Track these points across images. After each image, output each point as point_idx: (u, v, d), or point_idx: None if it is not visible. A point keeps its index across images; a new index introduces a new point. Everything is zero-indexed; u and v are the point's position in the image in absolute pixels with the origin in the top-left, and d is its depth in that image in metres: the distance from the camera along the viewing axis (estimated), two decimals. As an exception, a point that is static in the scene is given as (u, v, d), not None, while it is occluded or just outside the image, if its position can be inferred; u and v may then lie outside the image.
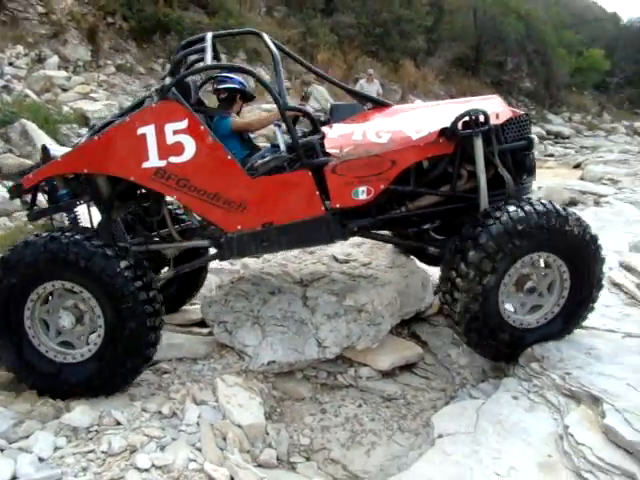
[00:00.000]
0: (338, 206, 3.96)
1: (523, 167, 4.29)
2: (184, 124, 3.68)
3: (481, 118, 3.92)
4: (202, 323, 4.71)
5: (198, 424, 3.39)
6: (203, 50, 4.11)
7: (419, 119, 4.29)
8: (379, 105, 4.85)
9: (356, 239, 5.53)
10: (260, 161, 4.02)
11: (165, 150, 3.67)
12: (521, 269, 3.92)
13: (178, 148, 3.69)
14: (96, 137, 3.73)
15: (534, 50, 27.40)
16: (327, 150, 3.95)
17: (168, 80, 3.87)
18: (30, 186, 3.79)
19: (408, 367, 4.56)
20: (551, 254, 3.91)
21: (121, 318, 3.59)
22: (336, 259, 4.99)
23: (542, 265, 4.01)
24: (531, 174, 4.40)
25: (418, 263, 5.14)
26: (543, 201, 3.93)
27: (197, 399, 3.65)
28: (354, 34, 20.96)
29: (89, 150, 3.73)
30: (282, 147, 4.04)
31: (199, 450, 3.18)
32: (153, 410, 3.50)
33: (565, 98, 29.16)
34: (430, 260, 5.07)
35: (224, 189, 3.80)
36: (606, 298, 4.80)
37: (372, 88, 13.41)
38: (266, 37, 4.45)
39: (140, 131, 3.65)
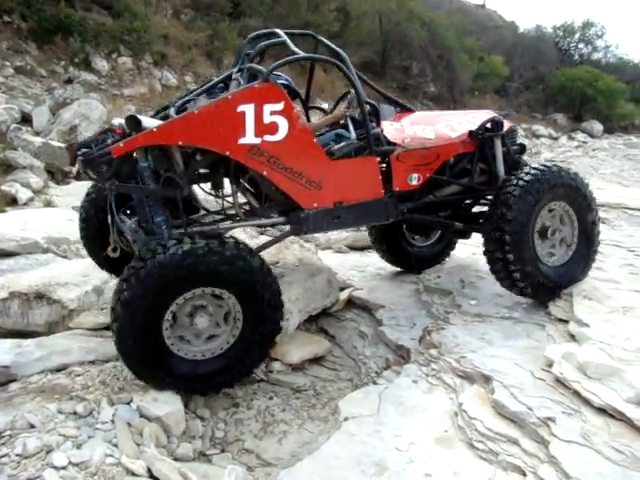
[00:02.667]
0: (397, 189, 4.59)
1: (517, 166, 5.11)
2: (281, 106, 3.94)
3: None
4: (113, 327, 4.73)
5: (113, 422, 3.44)
6: (283, 43, 4.49)
7: (449, 122, 5.14)
8: (405, 109, 5.60)
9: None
10: (337, 146, 4.32)
11: (261, 129, 3.89)
12: (549, 216, 4.83)
13: (273, 128, 3.93)
14: (195, 111, 3.80)
15: (438, 55, 28.18)
16: (392, 140, 4.60)
17: (236, 70, 4.38)
18: (119, 155, 3.67)
19: (317, 360, 4.77)
20: (561, 201, 4.82)
21: (262, 310, 3.87)
22: (246, 260, 5.14)
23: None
24: (519, 166, 5.11)
25: (325, 261, 5.38)
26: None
27: (112, 398, 3.68)
28: (262, 38, 21.08)
29: (187, 123, 3.77)
30: (353, 135, 4.43)
31: (116, 446, 3.23)
32: (68, 411, 3.51)
33: (468, 102, 30.13)
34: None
35: (307, 169, 4.10)
36: (499, 288, 5.17)
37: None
38: (324, 39, 4.92)
39: (240, 109, 3.83)
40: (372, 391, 3.96)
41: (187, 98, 4.36)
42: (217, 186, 4.40)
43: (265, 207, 4.52)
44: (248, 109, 3.85)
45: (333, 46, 4.77)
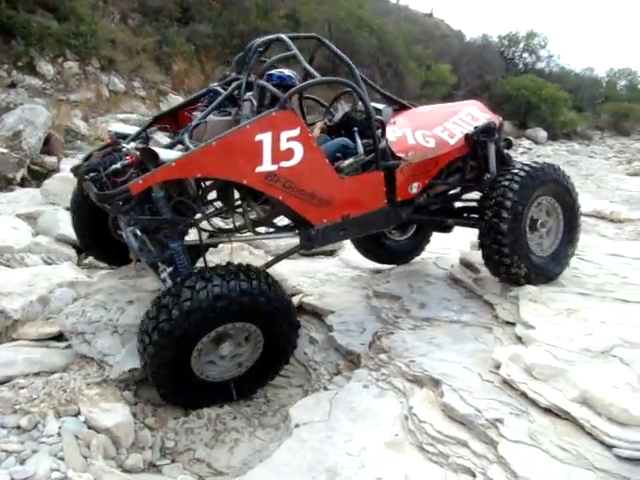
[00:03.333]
0: (400, 199, 4.79)
1: (504, 160, 5.41)
2: (297, 132, 4.04)
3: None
4: (59, 337, 4.58)
5: (60, 434, 3.35)
6: (293, 56, 4.59)
7: (446, 125, 5.27)
8: (403, 107, 5.73)
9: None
10: (346, 163, 4.49)
11: (278, 155, 3.97)
12: (537, 210, 5.16)
13: (289, 154, 4.02)
14: (213, 143, 3.78)
15: (387, 63, 28.50)
16: (396, 153, 4.72)
17: (244, 82, 4.38)
18: (138, 192, 3.65)
19: (268, 367, 4.77)
20: (549, 196, 5.19)
21: (282, 334, 4.07)
22: (195, 267, 5.10)
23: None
24: (508, 165, 5.35)
25: (274, 267, 5.36)
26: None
27: (59, 410, 3.60)
28: (211, 44, 20.88)
29: (206, 156, 3.78)
30: (360, 150, 4.57)
31: (62, 460, 3.15)
32: (11, 425, 3.41)
33: (416, 109, 30.57)
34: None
35: (319, 188, 4.22)
36: (447, 292, 5.27)
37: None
38: (330, 44, 4.95)
39: (258, 138, 3.89)
40: (323, 397, 3.95)
41: (197, 121, 4.28)
42: (226, 204, 4.56)
43: (271, 218, 4.69)
44: (266, 138, 3.92)
45: (340, 53, 4.86)
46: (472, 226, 5.43)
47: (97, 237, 5.16)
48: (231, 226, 4.74)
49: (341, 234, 4.55)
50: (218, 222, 5.15)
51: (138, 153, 3.84)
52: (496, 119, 5.56)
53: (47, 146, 10.82)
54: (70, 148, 12.27)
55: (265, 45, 4.86)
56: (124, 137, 4.53)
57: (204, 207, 4.54)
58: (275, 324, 3.98)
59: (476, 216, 5.33)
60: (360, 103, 4.72)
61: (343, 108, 5.27)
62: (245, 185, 4.03)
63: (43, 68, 14.50)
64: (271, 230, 4.87)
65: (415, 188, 4.92)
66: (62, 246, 6.64)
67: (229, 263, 3.99)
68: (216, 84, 4.89)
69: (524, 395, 3.44)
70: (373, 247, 6.30)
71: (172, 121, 4.88)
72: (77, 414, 3.61)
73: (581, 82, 49.57)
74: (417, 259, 6.52)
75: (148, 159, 3.74)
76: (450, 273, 5.83)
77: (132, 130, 4.66)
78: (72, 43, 15.38)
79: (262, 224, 4.74)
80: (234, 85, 4.44)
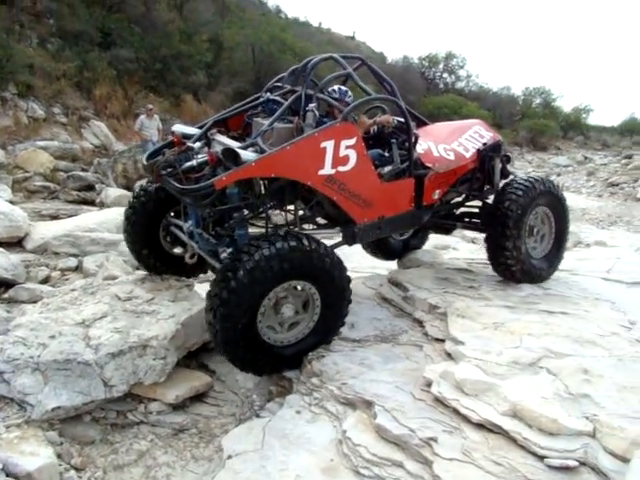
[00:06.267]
0: (425, 203, 5.51)
1: (504, 173, 6.23)
2: (353, 141, 4.64)
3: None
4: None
5: (-26, 483, 3.18)
6: (348, 75, 5.26)
7: (460, 141, 6.02)
8: (422, 123, 6.45)
9: (139, 275, 5.55)
10: (386, 170, 5.10)
11: (337, 161, 4.54)
12: (534, 218, 5.92)
13: (346, 160, 4.60)
14: (288, 147, 4.27)
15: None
16: (426, 164, 5.44)
17: (303, 95, 4.87)
18: (221, 187, 4.08)
19: (198, 397, 4.62)
20: (544, 206, 5.95)
21: (337, 296, 4.50)
22: (118, 297, 4.93)
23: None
24: (507, 178, 6.19)
25: (200, 294, 5.26)
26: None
27: (-27, 456, 3.41)
28: (134, 69, 20.55)
29: (281, 157, 4.27)
30: (397, 159, 5.18)
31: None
32: None
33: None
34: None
35: (365, 192, 4.83)
36: (377, 312, 5.27)
37: (152, 124, 13.25)
38: (374, 67, 5.46)
39: (322, 145, 4.45)
40: (255, 425, 3.85)
41: (266, 127, 4.66)
42: (281, 203, 4.97)
43: (315, 217, 5.31)
44: (329, 145, 4.48)
45: (382, 73, 5.40)
46: (477, 230, 6.31)
47: (149, 248, 5.48)
48: (283, 222, 5.27)
49: (377, 232, 5.16)
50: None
51: (219, 153, 4.25)
52: (498, 137, 6.34)
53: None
54: (-12, 176, 11.86)
55: (319, 62, 5.26)
56: (188, 137, 4.99)
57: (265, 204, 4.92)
58: (327, 279, 4.38)
59: (477, 221, 6.18)
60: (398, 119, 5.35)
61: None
62: (309, 186, 4.53)
63: (-43, 95, 13.97)
64: (314, 227, 5.40)
65: (437, 194, 5.67)
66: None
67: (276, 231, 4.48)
68: (270, 94, 5.30)
69: (456, 412, 3.45)
70: (381, 246, 7.02)
71: (222, 126, 5.30)
72: (-5, 458, 3.41)
73: (499, 100, 51.35)
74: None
75: (229, 158, 4.18)
76: (379, 292, 5.86)
77: (194, 131, 5.11)
78: (-14, 68, 14.86)
79: (308, 221, 5.30)
80: (294, 97, 4.93)
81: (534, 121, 48.25)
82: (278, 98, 5.17)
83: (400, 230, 5.81)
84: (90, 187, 12.93)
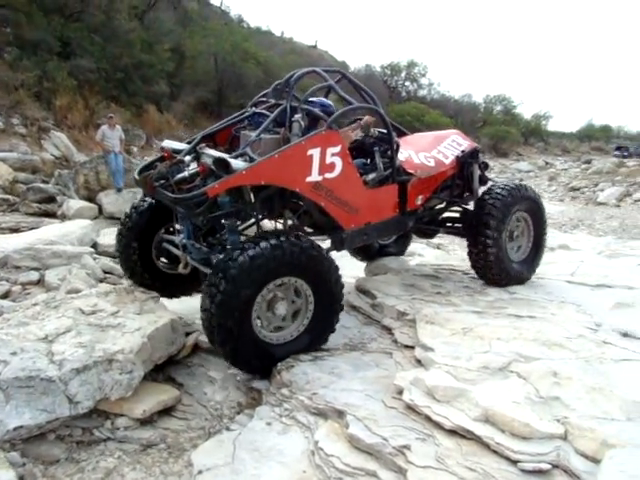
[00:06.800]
0: (409, 209, 5.73)
1: (482, 180, 6.40)
2: (339, 148, 4.82)
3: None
4: None
5: None
6: (330, 87, 5.42)
7: (440, 149, 6.28)
8: (402, 133, 6.69)
9: (103, 288, 5.44)
10: (370, 177, 5.33)
11: (323, 168, 4.71)
12: (514, 223, 6.18)
13: (332, 167, 4.78)
14: (275, 155, 4.43)
15: (274, 94, 28.75)
16: (408, 170, 5.67)
17: (287, 108, 4.99)
18: (214, 195, 4.24)
19: (167, 411, 4.52)
20: (523, 211, 6.21)
21: (330, 295, 4.60)
22: (82, 311, 4.81)
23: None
24: (485, 184, 6.42)
25: (166, 306, 5.18)
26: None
27: None
28: (94, 78, 20.33)
29: (269, 165, 4.42)
30: (380, 166, 5.44)
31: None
32: None
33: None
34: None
35: (351, 197, 4.99)
36: (345, 320, 5.22)
37: (114, 134, 13.05)
38: (354, 79, 5.63)
39: (309, 152, 4.62)
40: (226, 439, 3.78)
41: (254, 138, 4.80)
42: (270, 212, 5.09)
43: (304, 225, 5.41)
44: (315, 152, 4.65)
45: (362, 85, 5.59)
46: (459, 235, 6.64)
47: (142, 267, 5.57)
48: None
49: (364, 238, 5.36)
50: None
51: (211, 163, 4.44)
52: (474, 145, 6.58)
53: None
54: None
55: (302, 76, 5.36)
56: (177, 152, 5.09)
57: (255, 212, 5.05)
58: (314, 273, 4.47)
59: (459, 226, 6.45)
60: (378, 129, 5.68)
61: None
62: (297, 192, 4.68)
63: None
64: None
65: (420, 200, 5.88)
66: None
67: (262, 233, 4.66)
68: (256, 108, 5.48)
69: (428, 419, 3.43)
70: (367, 252, 7.26)
71: (210, 140, 5.41)
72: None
73: (461, 108, 52.07)
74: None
75: (221, 167, 4.33)
76: (347, 300, 5.82)
77: (183, 146, 5.22)
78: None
79: (297, 230, 5.19)
80: (279, 109, 5.04)
81: (495, 128, 49.04)
82: (264, 111, 5.32)
83: (386, 236, 6.00)
84: (51, 199, 12.68)
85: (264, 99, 5.63)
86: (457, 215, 6.56)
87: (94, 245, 9.61)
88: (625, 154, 46.89)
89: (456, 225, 6.53)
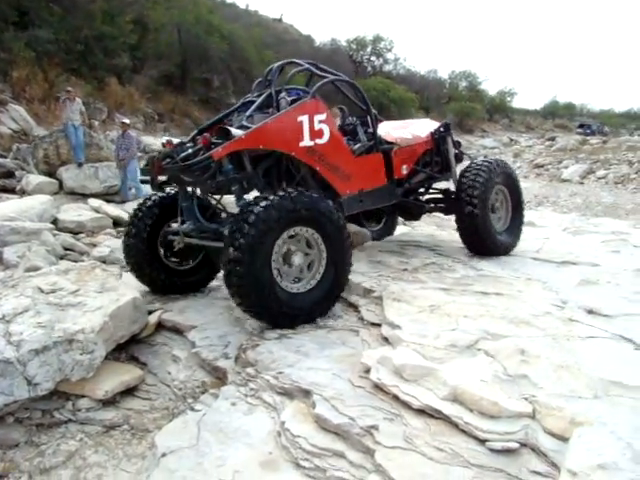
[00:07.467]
0: (396, 177, 6.29)
1: (457, 157, 7.03)
2: (324, 116, 5.31)
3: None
4: None
5: None
6: (309, 70, 5.92)
7: (413, 129, 6.94)
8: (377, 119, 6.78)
9: (63, 266, 5.30)
10: (356, 146, 5.94)
11: (313, 134, 5.18)
12: (494, 196, 6.70)
13: (320, 133, 5.25)
14: (269, 121, 4.92)
15: (238, 68, 28.34)
16: (389, 140, 6.36)
17: (274, 91, 5.41)
18: (219, 157, 4.57)
19: (130, 391, 4.44)
20: (501, 184, 6.75)
21: (342, 249, 4.87)
22: (41, 290, 4.66)
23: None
24: (461, 162, 7.15)
25: (127, 284, 5.07)
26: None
27: None
28: (54, 50, 19.68)
29: (265, 130, 4.86)
30: (363, 138, 6.12)
31: None
32: None
33: (271, 113, 30.61)
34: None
35: (342, 164, 5.48)
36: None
37: (75, 107, 12.69)
38: (323, 67, 6.11)
39: (299, 119, 5.10)
40: (190, 419, 3.69)
41: (247, 115, 5.24)
42: (271, 184, 5.31)
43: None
44: (304, 119, 5.14)
45: (338, 73, 6.09)
46: (443, 212, 7.20)
47: (148, 263, 5.72)
48: None
49: (360, 204, 5.80)
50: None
51: (212, 133, 5.00)
52: (445, 121, 7.21)
53: None
54: None
55: (283, 66, 5.91)
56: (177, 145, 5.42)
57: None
58: (325, 225, 4.72)
59: (443, 205, 7.06)
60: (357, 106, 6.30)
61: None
62: (293, 158, 5.15)
63: None
64: None
65: (405, 170, 6.44)
66: None
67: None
68: (249, 97, 5.86)
69: (396, 398, 3.38)
70: (411, 212, 7.53)
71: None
72: None
73: (426, 83, 52.05)
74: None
75: (223, 134, 4.81)
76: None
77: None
78: None
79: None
80: (266, 94, 5.43)
81: (461, 104, 49.16)
82: (252, 99, 5.71)
83: (379, 203, 6.24)
84: (10, 174, 12.34)
85: (250, 98, 5.87)
86: (440, 196, 7.17)
87: (54, 221, 9.41)
88: (588, 132, 47.58)
89: (439, 205, 7.10)
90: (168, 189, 5.79)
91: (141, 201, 5.94)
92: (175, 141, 5.51)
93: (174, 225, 5.75)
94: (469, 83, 61.23)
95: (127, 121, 13.30)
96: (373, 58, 51.50)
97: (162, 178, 5.43)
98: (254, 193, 5.13)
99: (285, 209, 4.44)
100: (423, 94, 46.24)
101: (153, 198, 5.84)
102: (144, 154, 16.41)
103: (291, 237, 4.68)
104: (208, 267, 6.05)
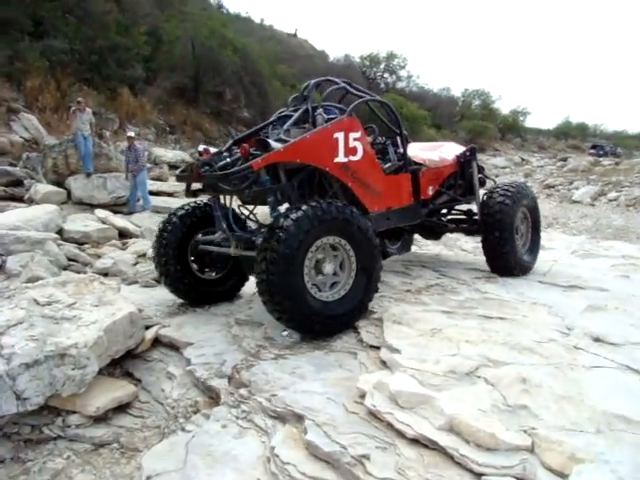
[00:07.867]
0: (423, 197, 6.43)
1: (481, 182, 7.14)
2: (359, 134, 5.42)
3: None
4: None
5: None
6: (345, 89, 6.04)
7: (441, 151, 7.16)
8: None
9: (61, 278, 5.23)
10: (387, 165, 6.07)
11: (348, 151, 5.28)
12: (518, 219, 6.79)
13: (355, 150, 5.35)
14: (307, 136, 5.01)
15: (251, 81, 28.40)
16: (417, 161, 6.51)
17: (310, 107, 5.60)
18: (258, 168, 4.62)
19: (122, 408, 4.36)
20: (523, 207, 6.86)
21: (372, 258, 4.94)
22: (37, 302, 4.59)
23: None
24: (483, 186, 7.24)
25: (126, 297, 4.99)
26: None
27: None
28: (67, 60, 19.80)
29: (302, 145, 4.94)
30: (393, 157, 6.30)
31: None
32: None
33: (283, 127, 30.66)
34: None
35: (373, 182, 5.59)
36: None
37: (85, 117, 12.71)
38: (356, 85, 6.29)
39: (335, 136, 5.19)
40: (179, 441, 3.59)
41: (286, 127, 5.38)
42: (303, 196, 5.30)
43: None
44: (340, 136, 5.22)
45: (372, 94, 6.31)
46: (465, 233, 7.33)
47: (180, 275, 5.79)
48: None
49: (387, 222, 5.86)
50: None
51: (250, 145, 4.99)
52: (471, 145, 7.40)
53: None
54: None
55: (319, 83, 6.08)
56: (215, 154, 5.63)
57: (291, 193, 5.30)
58: (355, 235, 4.81)
59: (465, 226, 7.14)
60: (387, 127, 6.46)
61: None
62: (326, 173, 5.22)
63: None
64: None
65: (431, 191, 6.58)
66: None
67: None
68: (284, 111, 5.98)
69: (390, 426, 3.26)
70: (433, 231, 7.62)
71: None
72: None
73: (439, 101, 52.10)
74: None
75: (261, 146, 4.88)
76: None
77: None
78: None
79: None
80: (302, 110, 5.59)
81: (473, 122, 49.16)
82: (288, 113, 5.84)
83: (405, 222, 6.30)
84: (19, 182, 12.38)
85: (286, 112, 5.98)
86: (463, 217, 7.32)
87: (60, 231, 9.37)
88: (601, 153, 47.34)
89: (462, 226, 7.21)
90: (199, 199, 5.95)
91: (172, 211, 6.02)
92: (212, 150, 5.70)
93: (202, 235, 5.89)
94: (482, 101, 61.22)
95: (132, 134, 13.31)
96: (386, 75, 51.66)
97: (197, 186, 5.61)
98: (285, 205, 5.14)
99: (316, 218, 4.52)
100: (436, 112, 46.24)
101: (186, 207, 5.95)
102: (154, 165, 16.43)
103: (318, 248, 4.73)
104: (237, 276, 6.16)
